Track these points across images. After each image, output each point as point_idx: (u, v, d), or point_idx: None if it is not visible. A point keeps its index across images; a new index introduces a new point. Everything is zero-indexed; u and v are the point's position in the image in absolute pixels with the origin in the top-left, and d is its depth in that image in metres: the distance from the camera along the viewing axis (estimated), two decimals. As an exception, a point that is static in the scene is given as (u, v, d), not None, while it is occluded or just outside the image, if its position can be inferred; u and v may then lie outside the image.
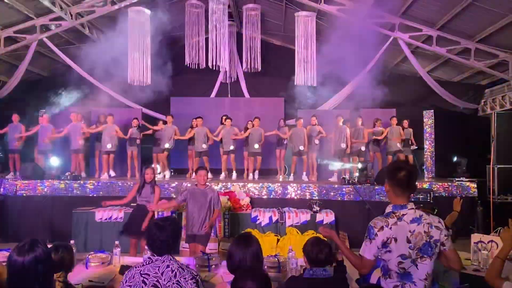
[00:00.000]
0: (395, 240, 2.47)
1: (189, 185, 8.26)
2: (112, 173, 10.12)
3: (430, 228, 2.52)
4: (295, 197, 8.45)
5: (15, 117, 10.36)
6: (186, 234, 5.54)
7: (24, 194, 8.59)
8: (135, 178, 10.03)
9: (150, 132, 10.65)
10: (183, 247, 7.48)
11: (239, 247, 2.63)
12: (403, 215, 2.52)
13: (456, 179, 9.06)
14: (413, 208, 2.57)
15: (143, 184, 6.04)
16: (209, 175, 9.81)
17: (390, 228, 2.49)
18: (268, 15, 12.35)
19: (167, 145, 10.01)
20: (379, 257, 2.58)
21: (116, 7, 10.39)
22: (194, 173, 8.49)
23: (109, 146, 9.98)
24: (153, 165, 9.69)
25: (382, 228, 2.50)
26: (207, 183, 5.68)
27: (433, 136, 11.12)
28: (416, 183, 2.71)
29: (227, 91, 13.28)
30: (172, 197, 8.21)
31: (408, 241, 2.47)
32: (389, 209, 2.61)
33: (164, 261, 2.61)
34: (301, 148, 9.89)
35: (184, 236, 5.70)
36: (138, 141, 10.30)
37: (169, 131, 10.07)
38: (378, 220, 2.56)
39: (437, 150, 11.12)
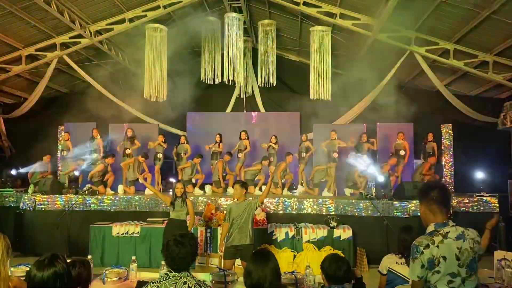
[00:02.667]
0: (444, 259, 2.41)
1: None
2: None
3: (474, 243, 2.50)
4: (312, 212, 8.36)
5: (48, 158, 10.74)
6: (224, 248, 5.53)
7: (43, 209, 8.70)
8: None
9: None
10: (199, 263, 7.49)
11: (258, 264, 2.59)
12: (447, 232, 2.48)
13: (476, 194, 8.88)
14: (453, 225, 2.53)
15: (175, 198, 6.28)
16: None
17: (437, 246, 2.43)
18: (283, 30, 12.44)
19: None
20: (426, 279, 2.49)
21: (133, 24, 10.59)
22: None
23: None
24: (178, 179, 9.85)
25: (428, 246, 2.43)
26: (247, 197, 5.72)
27: (451, 150, 10.98)
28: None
29: (243, 106, 13.34)
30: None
31: (458, 259, 2.43)
32: (431, 228, 2.55)
33: (181, 278, 2.59)
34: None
35: (220, 251, 5.70)
36: (159, 156, 10.42)
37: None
38: (422, 238, 2.49)
39: (456, 165, 10.95)
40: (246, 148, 10.63)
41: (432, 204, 2.58)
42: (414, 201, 8.09)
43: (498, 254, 4.31)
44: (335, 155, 10.10)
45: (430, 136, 10.51)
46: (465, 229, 2.54)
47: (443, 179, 10.73)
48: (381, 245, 7.50)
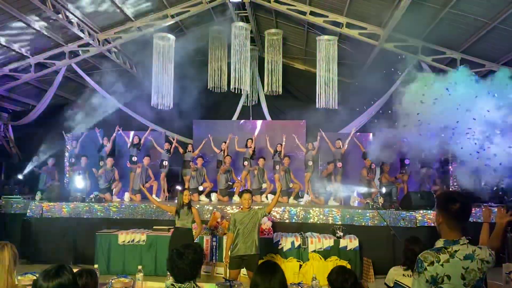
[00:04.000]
0: (448, 277, 2.34)
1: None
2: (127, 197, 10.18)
3: (483, 264, 2.40)
4: (318, 222, 8.32)
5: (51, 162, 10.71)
6: (230, 258, 5.50)
7: (50, 216, 8.73)
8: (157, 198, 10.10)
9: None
10: (205, 272, 7.46)
11: (265, 276, 2.58)
12: (456, 251, 2.38)
13: (484, 204, 8.80)
14: (465, 244, 2.43)
15: (181, 206, 6.24)
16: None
17: (442, 265, 2.35)
18: (290, 39, 12.48)
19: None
20: None
21: (141, 33, 10.68)
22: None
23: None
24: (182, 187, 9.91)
25: (432, 263, 2.36)
26: (252, 206, 5.70)
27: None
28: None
29: (249, 114, 13.36)
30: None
31: (463, 278, 2.35)
32: (440, 243, 2.46)
33: (186, 289, 2.59)
34: None
35: (226, 261, 5.64)
36: (165, 163, 10.46)
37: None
38: (428, 254, 2.41)
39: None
40: (251, 156, 10.65)
41: (450, 218, 2.46)
42: (421, 211, 8.04)
43: (507, 267, 4.27)
44: (340, 164, 10.08)
45: None
46: (477, 248, 2.44)
47: (450, 188, 10.65)
48: (388, 255, 7.44)
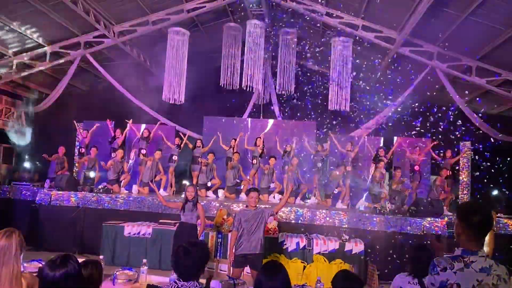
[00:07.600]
0: (458, 286, 2.31)
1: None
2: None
3: (499, 281, 2.34)
4: (324, 224, 8.28)
5: (61, 151, 10.75)
6: (234, 256, 5.47)
7: (58, 204, 8.80)
8: (165, 192, 10.14)
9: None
10: (208, 268, 7.46)
11: (269, 276, 2.57)
12: (472, 262, 2.35)
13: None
14: (483, 256, 2.39)
15: (186, 202, 6.25)
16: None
17: (455, 272, 2.33)
18: (304, 39, 12.41)
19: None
20: None
21: (157, 27, 10.71)
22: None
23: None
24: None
25: (445, 268, 2.35)
26: (258, 205, 5.68)
27: (469, 168, 10.78)
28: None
29: (260, 113, 13.33)
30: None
31: None
32: (458, 252, 2.43)
33: (190, 287, 2.58)
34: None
35: (230, 260, 5.62)
36: (174, 158, 10.49)
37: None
38: (442, 259, 2.40)
39: (473, 183, 10.75)
40: (260, 154, 10.63)
41: (470, 229, 2.42)
42: (429, 218, 7.96)
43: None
44: (349, 168, 10.02)
45: (449, 153, 10.37)
46: (495, 264, 2.39)
47: (459, 197, 10.55)
48: (393, 262, 7.38)
